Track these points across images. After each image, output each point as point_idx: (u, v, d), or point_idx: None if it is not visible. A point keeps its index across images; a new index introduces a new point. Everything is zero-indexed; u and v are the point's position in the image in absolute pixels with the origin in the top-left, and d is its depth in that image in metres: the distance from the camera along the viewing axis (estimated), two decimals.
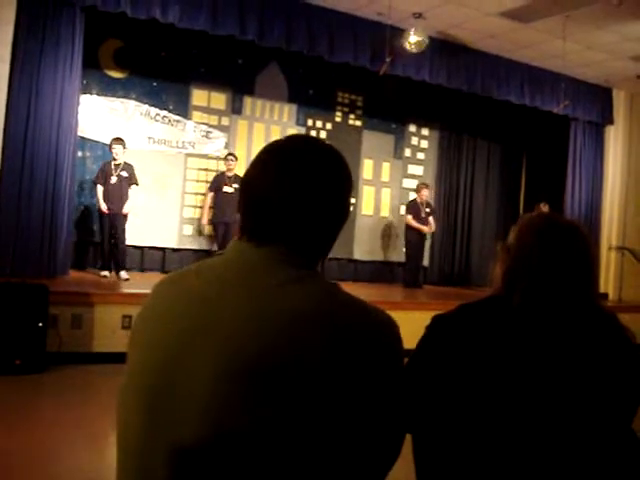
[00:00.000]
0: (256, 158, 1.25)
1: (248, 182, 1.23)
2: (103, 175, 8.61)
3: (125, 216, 8.66)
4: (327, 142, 1.31)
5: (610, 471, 1.42)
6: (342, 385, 1.07)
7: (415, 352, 1.56)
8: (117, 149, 8.62)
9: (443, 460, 1.46)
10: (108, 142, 8.97)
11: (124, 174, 8.63)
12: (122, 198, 8.61)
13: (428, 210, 10.92)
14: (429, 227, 10.92)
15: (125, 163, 8.69)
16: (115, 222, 8.60)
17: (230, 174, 9.62)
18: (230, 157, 9.69)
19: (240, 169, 9.90)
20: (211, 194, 9.68)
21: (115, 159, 8.63)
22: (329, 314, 1.12)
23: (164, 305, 1.22)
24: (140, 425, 1.14)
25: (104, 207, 8.53)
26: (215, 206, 9.69)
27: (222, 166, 9.99)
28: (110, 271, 8.59)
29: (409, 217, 10.80)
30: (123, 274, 8.54)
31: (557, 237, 1.51)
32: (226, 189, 9.52)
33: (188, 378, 1.09)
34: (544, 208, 10.82)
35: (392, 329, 1.18)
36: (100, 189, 8.57)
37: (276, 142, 1.27)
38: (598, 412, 1.41)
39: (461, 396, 1.43)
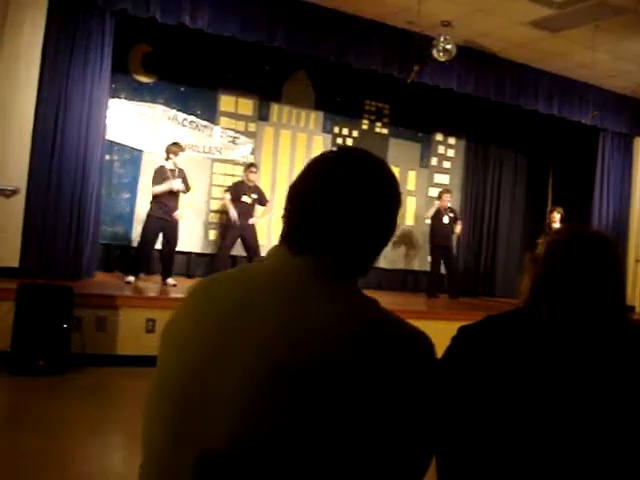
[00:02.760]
0: (306, 167, 1.24)
1: (296, 190, 1.23)
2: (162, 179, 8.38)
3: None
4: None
5: None
6: (374, 397, 1.07)
7: (439, 363, 1.54)
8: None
9: (467, 475, 1.44)
10: (136, 146, 9.00)
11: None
12: (177, 204, 8.59)
13: (452, 215, 10.84)
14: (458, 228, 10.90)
15: (179, 169, 8.57)
16: (171, 228, 8.48)
17: (250, 184, 9.38)
18: (252, 167, 9.42)
19: (265, 176, 9.90)
20: (229, 198, 9.33)
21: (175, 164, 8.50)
22: (365, 328, 1.11)
23: (198, 311, 1.21)
24: (168, 432, 1.14)
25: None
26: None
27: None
28: (137, 276, 8.45)
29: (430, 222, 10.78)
30: (171, 280, 8.47)
31: (586, 249, 1.49)
32: (245, 199, 9.31)
33: (219, 387, 1.08)
34: (557, 214, 10.50)
35: (428, 347, 1.18)
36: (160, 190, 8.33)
37: (327, 153, 1.27)
38: (628, 427, 1.38)
39: (486, 409, 1.41)
